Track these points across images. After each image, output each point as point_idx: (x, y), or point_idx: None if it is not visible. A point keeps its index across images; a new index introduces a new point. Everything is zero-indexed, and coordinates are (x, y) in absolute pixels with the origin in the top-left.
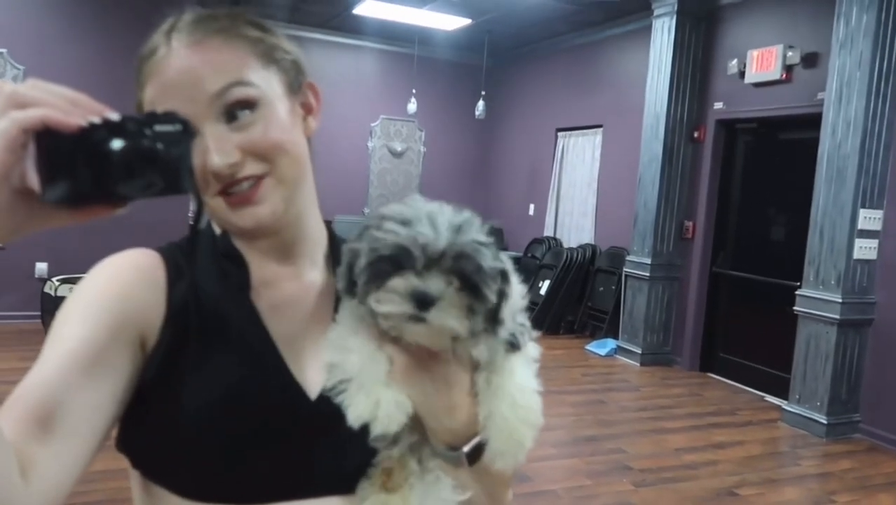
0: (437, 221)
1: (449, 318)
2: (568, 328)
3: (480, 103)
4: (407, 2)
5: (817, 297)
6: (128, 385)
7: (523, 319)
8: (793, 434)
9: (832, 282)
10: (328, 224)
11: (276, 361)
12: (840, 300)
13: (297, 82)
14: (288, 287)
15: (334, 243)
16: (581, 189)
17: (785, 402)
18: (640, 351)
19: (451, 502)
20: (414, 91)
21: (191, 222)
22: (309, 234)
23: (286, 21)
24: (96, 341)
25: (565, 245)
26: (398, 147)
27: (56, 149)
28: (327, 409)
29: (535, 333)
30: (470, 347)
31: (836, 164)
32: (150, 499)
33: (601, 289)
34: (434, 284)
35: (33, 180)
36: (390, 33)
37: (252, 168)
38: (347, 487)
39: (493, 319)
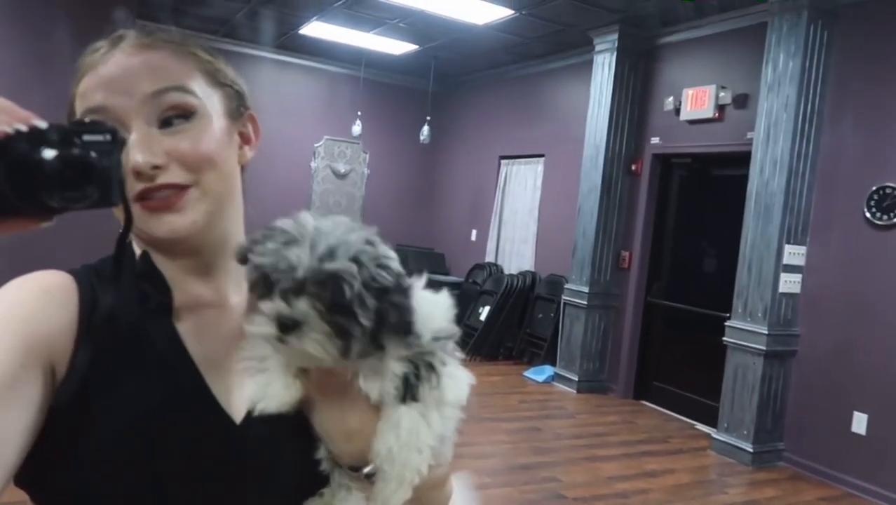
0: (318, 243)
1: (309, 341)
2: (507, 354)
3: (425, 128)
4: (353, 25)
5: (745, 328)
6: (38, 415)
7: (439, 357)
8: (720, 462)
9: (759, 314)
10: None
11: (199, 385)
12: (766, 332)
13: (238, 111)
14: (212, 311)
15: None
16: (522, 216)
17: (714, 430)
18: (576, 378)
19: None
20: (359, 113)
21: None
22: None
23: (233, 38)
24: (2, 370)
25: (506, 271)
26: (342, 168)
27: None
28: (253, 433)
29: (469, 378)
30: (362, 374)
31: (764, 200)
32: None
33: (540, 316)
34: (299, 307)
35: None
36: (337, 54)
37: (176, 176)
38: None
39: (375, 341)
